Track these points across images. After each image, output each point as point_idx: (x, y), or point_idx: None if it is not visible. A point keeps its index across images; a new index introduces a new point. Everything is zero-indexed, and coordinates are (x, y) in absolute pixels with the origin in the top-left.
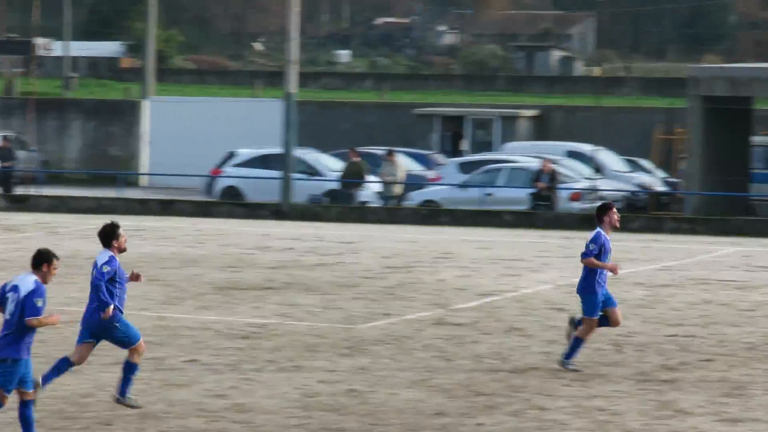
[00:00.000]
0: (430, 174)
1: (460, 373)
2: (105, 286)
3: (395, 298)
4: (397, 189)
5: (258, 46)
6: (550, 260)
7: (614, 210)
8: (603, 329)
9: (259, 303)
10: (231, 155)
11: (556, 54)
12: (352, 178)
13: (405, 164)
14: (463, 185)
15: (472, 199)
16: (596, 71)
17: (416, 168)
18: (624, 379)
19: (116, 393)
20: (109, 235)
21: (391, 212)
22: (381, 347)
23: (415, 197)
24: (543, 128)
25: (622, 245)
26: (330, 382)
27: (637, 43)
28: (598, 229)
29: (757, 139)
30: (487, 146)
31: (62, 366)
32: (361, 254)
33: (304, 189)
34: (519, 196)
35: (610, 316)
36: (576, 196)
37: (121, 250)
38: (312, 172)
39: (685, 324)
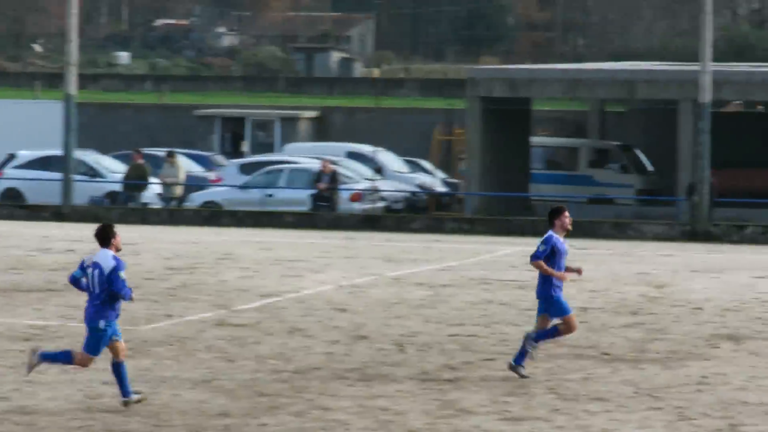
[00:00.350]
0: (211, 175)
1: (243, 374)
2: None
3: (177, 299)
4: (178, 190)
5: (37, 47)
6: (332, 261)
7: (566, 213)
8: (427, 330)
9: (41, 305)
10: (11, 157)
11: (336, 55)
12: (135, 180)
13: (186, 166)
14: (244, 186)
15: (253, 201)
16: (375, 72)
17: (197, 169)
18: (407, 379)
19: (122, 396)
20: (107, 235)
21: (173, 214)
22: (163, 349)
23: (197, 198)
24: (323, 129)
25: (403, 246)
26: (113, 384)
27: (416, 44)
28: (550, 231)
29: (535, 140)
30: (268, 147)
31: (64, 358)
32: (142, 256)
33: (84, 191)
34: (300, 197)
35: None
36: (356, 197)
37: (118, 249)
38: (93, 173)
39: (466, 323)
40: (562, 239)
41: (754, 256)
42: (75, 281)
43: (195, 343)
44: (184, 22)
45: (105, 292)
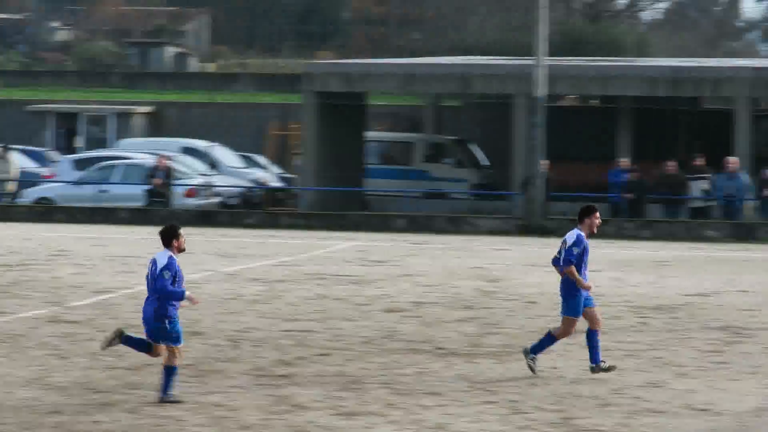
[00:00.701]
0: (45, 171)
1: (77, 371)
2: (168, 285)
3: (10, 296)
4: (11, 186)
5: None
6: None
7: (597, 213)
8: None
9: None
10: None
11: (171, 50)
12: None
13: (18, 161)
14: (78, 182)
15: (87, 196)
16: (211, 67)
17: (30, 165)
18: (241, 375)
19: (161, 393)
20: (169, 235)
21: (5, 210)
22: None
23: (30, 195)
24: (158, 124)
25: (238, 241)
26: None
27: (251, 39)
28: (577, 229)
29: (371, 135)
30: (102, 143)
31: (142, 345)
32: None
33: None
34: (134, 193)
35: (588, 316)
36: (191, 193)
37: (180, 250)
38: None
39: (301, 319)
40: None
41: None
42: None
43: (27, 340)
44: (17, 16)
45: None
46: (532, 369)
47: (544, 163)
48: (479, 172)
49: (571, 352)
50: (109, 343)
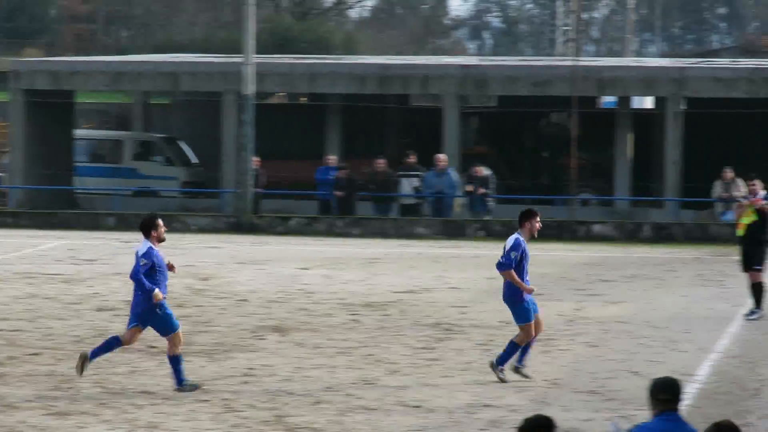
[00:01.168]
0: None
1: None
2: (142, 276)
3: None
4: None
5: None
6: None
7: (538, 218)
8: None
9: None
10: None
11: None
12: None
13: None
14: None
15: None
16: None
17: None
18: None
19: (176, 384)
20: (148, 226)
21: None
22: None
23: None
24: None
25: None
26: None
27: None
28: (518, 234)
29: (80, 133)
30: None
31: (111, 343)
32: None
33: None
34: None
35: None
36: None
37: (160, 240)
38: None
39: (11, 318)
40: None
41: (299, 248)
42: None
43: None
44: None
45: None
46: (502, 380)
47: (254, 161)
48: (189, 169)
49: (282, 350)
50: (81, 369)
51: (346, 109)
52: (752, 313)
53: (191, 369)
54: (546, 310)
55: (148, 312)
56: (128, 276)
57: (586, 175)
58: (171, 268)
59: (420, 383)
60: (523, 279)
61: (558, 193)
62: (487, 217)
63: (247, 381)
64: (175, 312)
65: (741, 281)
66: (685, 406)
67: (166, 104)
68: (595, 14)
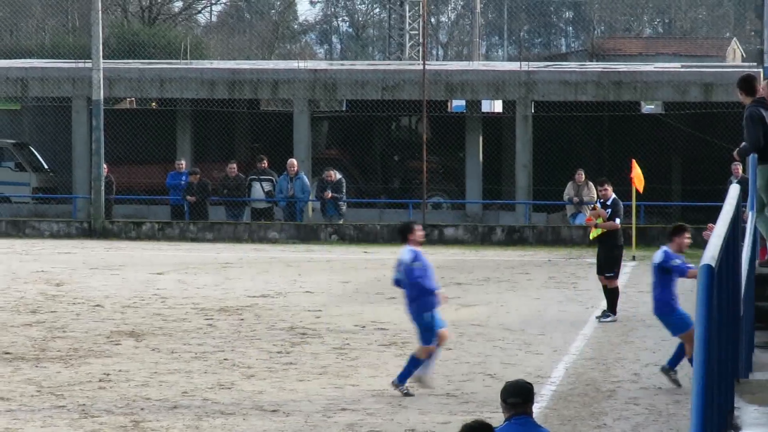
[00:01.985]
0: None
1: None
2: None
3: None
4: None
5: None
6: None
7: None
8: None
9: None
10: None
11: None
12: None
13: None
14: None
15: None
16: None
17: None
18: None
19: (396, 379)
20: (405, 232)
21: None
22: None
23: None
24: None
25: None
26: None
27: None
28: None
29: None
30: None
31: (414, 365)
32: None
33: None
34: None
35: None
36: None
37: (418, 243)
38: None
39: None
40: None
41: (152, 253)
42: (397, 283)
43: None
44: None
45: (413, 286)
46: (408, 394)
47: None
48: (41, 175)
49: (138, 355)
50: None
51: (196, 114)
52: (605, 315)
53: (46, 375)
54: (400, 314)
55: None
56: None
57: (438, 179)
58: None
59: (276, 387)
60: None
61: (410, 197)
62: (339, 222)
63: (103, 386)
64: (28, 318)
65: (593, 284)
66: (539, 408)
67: (16, 110)
68: (443, 18)
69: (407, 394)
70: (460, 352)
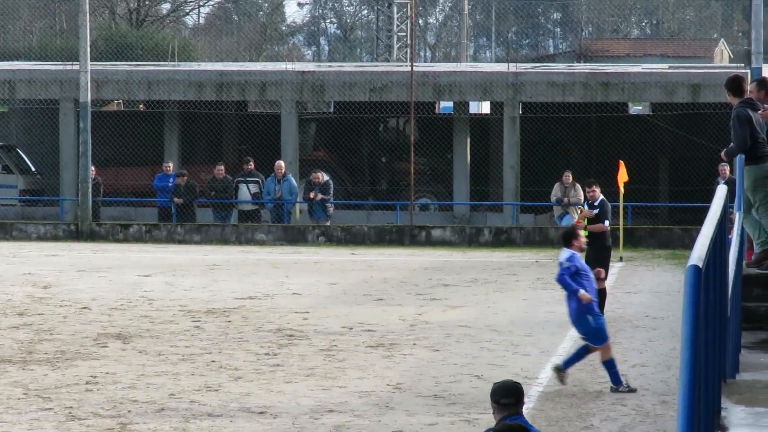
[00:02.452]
0: None
1: None
2: (567, 277)
3: None
4: None
5: None
6: None
7: None
8: None
9: None
10: None
11: None
12: None
13: None
14: None
15: None
16: None
17: None
18: None
19: (562, 365)
20: (568, 237)
21: None
22: None
23: None
24: None
25: None
26: None
27: None
28: None
29: None
30: None
31: (581, 353)
32: None
33: None
34: None
35: None
36: None
37: (581, 249)
38: None
39: None
40: None
41: (140, 255)
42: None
43: None
44: None
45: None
46: (630, 389)
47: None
48: (28, 177)
49: (125, 357)
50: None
51: (184, 116)
52: None
53: (33, 377)
54: (387, 315)
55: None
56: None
57: (425, 180)
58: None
59: (264, 389)
60: None
61: (397, 199)
62: (327, 223)
63: (90, 389)
64: (15, 321)
65: None
66: (527, 409)
67: (3, 112)
68: (431, 20)
69: (631, 390)
70: (448, 353)
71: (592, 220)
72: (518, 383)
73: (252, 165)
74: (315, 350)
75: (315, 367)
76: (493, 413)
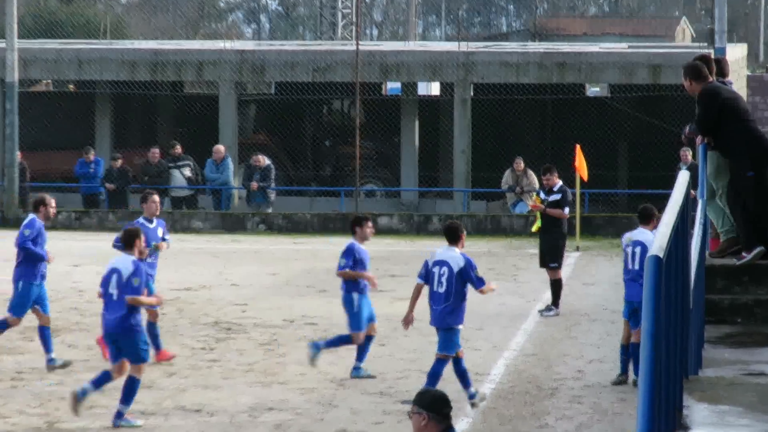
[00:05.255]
0: None
1: None
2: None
3: None
4: None
5: None
6: None
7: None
8: None
9: None
10: None
11: None
12: None
13: None
14: None
15: None
16: None
17: None
18: None
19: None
20: (453, 234)
21: None
22: None
23: None
24: None
25: None
26: None
27: None
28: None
29: None
30: None
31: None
32: None
33: None
34: None
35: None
36: None
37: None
38: None
39: None
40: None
41: (69, 243)
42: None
43: None
44: None
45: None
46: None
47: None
48: None
49: (55, 352)
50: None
51: (116, 97)
52: (548, 309)
53: None
54: (331, 307)
55: None
56: None
57: (371, 165)
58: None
59: (200, 386)
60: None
61: (342, 185)
62: (267, 210)
63: (15, 385)
64: None
65: (535, 275)
66: (480, 407)
67: None
68: None
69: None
70: (394, 347)
71: (550, 205)
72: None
73: (179, 149)
74: (254, 345)
75: (254, 363)
76: (423, 423)
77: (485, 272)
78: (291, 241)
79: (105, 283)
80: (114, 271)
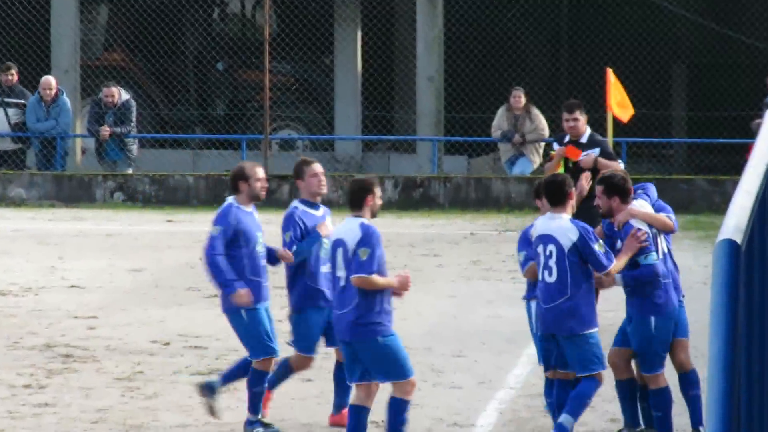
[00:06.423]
0: None
1: None
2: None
3: None
4: None
5: None
6: None
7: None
8: None
9: None
10: None
11: None
12: None
13: None
14: None
15: None
16: None
17: None
18: None
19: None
20: (555, 192)
21: None
22: None
23: None
24: None
25: None
26: None
27: None
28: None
29: None
30: None
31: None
32: None
33: None
34: None
35: None
36: None
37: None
38: None
39: None
40: None
41: None
42: None
43: None
44: None
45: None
46: None
47: None
48: None
49: None
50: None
51: None
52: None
53: None
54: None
55: None
56: None
57: (289, 101)
58: None
59: None
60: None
61: (243, 132)
62: (127, 171)
63: None
64: None
65: None
66: None
67: None
68: None
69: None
70: (326, 385)
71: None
72: None
73: (15, 75)
74: (108, 380)
75: (107, 409)
76: None
77: (466, 267)
78: (163, 218)
79: None
80: None
